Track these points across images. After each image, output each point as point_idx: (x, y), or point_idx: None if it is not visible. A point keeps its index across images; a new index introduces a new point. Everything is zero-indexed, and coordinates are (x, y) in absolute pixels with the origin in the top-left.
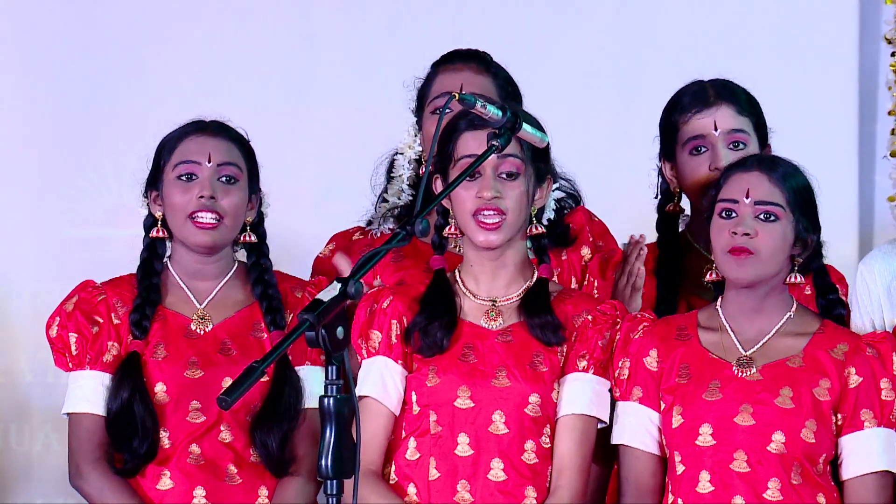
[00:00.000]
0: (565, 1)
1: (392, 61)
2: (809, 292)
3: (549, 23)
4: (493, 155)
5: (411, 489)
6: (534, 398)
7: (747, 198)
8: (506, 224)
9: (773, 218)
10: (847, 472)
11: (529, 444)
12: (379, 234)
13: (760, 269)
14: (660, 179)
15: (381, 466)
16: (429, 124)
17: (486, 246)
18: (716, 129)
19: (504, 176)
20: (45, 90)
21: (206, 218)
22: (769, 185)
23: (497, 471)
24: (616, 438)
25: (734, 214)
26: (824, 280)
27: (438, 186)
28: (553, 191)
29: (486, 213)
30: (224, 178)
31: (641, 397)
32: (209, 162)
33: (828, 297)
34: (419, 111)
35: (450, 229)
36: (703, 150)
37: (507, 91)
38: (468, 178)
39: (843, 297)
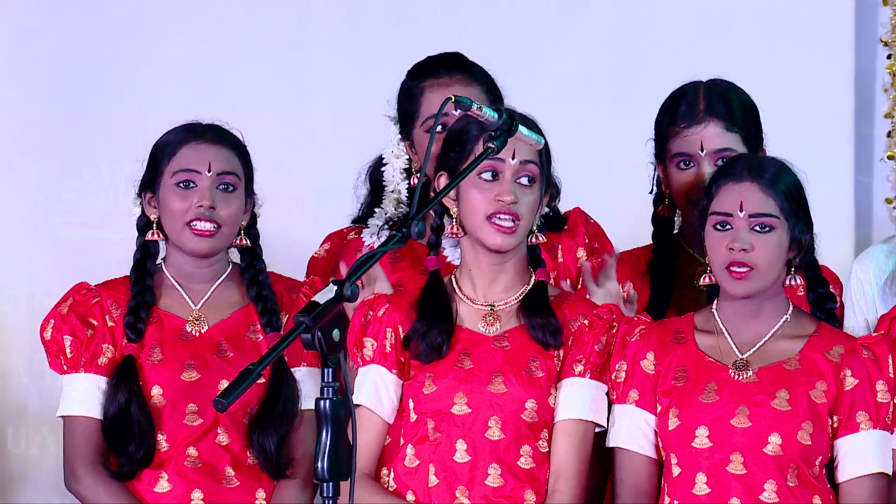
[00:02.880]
0: (561, 2)
1: (388, 63)
2: (802, 293)
3: (544, 24)
4: (515, 161)
5: (410, 496)
6: (530, 404)
7: (741, 211)
8: (520, 229)
9: (768, 229)
10: (842, 475)
11: (525, 449)
12: (376, 245)
13: (760, 282)
14: (655, 174)
15: (374, 473)
16: (426, 140)
17: (497, 249)
18: (702, 150)
19: (523, 181)
20: (40, 93)
21: (205, 227)
22: (762, 195)
23: (494, 476)
24: (612, 441)
25: (729, 227)
26: (815, 274)
27: (440, 184)
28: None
29: (502, 216)
30: (223, 187)
31: (638, 400)
32: (209, 171)
33: (818, 291)
34: (406, 126)
35: (452, 229)
36: (691, 164)
37: (493, 94)
38: (485, 181)
39: (838, 298)
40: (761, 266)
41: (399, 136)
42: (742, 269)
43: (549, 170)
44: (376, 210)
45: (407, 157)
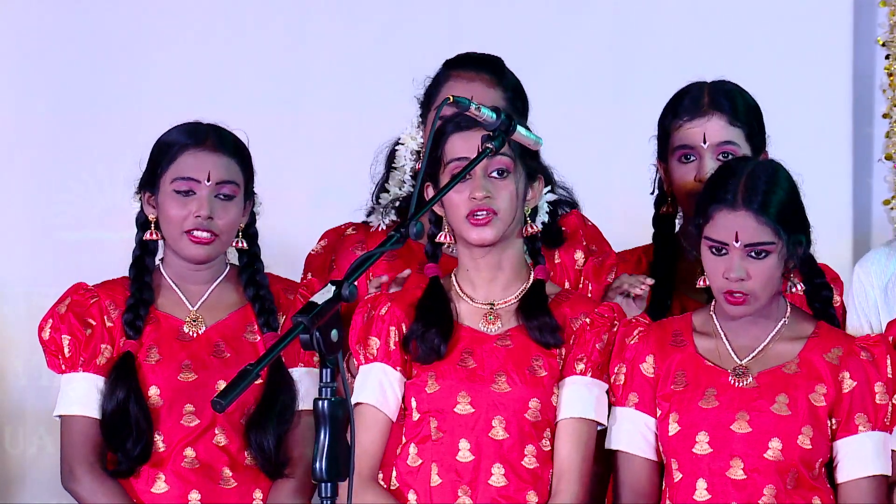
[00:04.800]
0: (561, 2)
1: (387, 63)
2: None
3: (544, 24)
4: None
5: (412, 496)
6: (534, 403)
7: (737, 241)
8: (497, 220)
9: (764, 255)
10: (842, 476)
11: (530, 449)
12: (382, 227)
13: (757, 304)
14: (657, 175)
15: (378, 473)
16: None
17: (479, 243)
18: (704, 142)
19: (494, 175)
20: (38, 92)
21: (203, 235)
22: (756, 224)
23: (498, 476)
24: (612, 444)
25: (725, 252)
26: (811, 268)
27: (429, 193)
28: (545, 193)
29: (478, 213)
30: (222, 196)
31: (638, 403)
32: (208, 181)
33: (814, 283)
34: (425, 108)
35: (443, 237)
36: (692, 158)
37: (516, 106)
38: (459, 182)
39: (838, 296)
40: (758, 290)
41: (419, 119)
42: (739, 296)
43: (532, 158)
44: (386, 185)
45: (421, 140)
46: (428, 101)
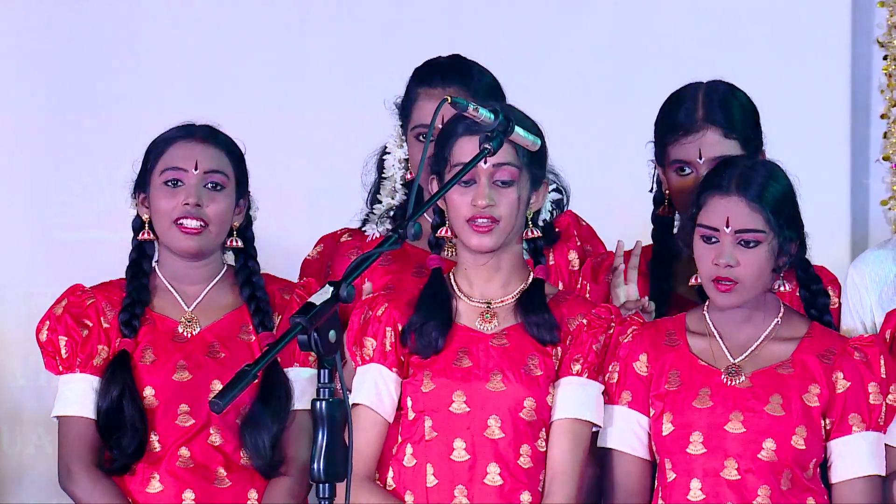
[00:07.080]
0: (561, 2)
1: (386, 64)
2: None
3: (544, 24)
4: (489, 165)
5: (409, 497)
6: (529, 402)
7: (727, 226)
8: (498, 229)
9: (754, 244)
10: (836, 476)
11: (525, 448)
12: (376, 236)
13: (745, 295)
14: (655, 173)
15: (374, 473)
16: (414, 150)
17: (478, 249)
18: (700, 157)
19: (499, 184)
20: (37, 93)
21: (192, 224)
22: (748, 210)
23: (493, 475)
24: (604, 442)
25: (715, 241)
26: (807, 273)
27: (435, 187)
28: (549, 192)
29: (479, 220)
30: (210, 185)
31: (630, 401)
32: (195, 169)
33: (811, 289)
34: (403, 126)
35: (443, 231)
36: (689, 171)
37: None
38: (464, 185)
39: (836, 298)
40: (747, 281)
41: (401, 128)
42: (727, 284)
43: (538, 166)
44: (378, 195)
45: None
46: (404, 118)
